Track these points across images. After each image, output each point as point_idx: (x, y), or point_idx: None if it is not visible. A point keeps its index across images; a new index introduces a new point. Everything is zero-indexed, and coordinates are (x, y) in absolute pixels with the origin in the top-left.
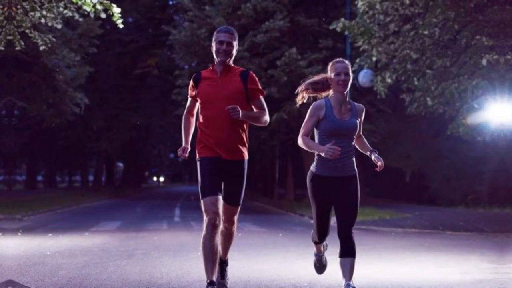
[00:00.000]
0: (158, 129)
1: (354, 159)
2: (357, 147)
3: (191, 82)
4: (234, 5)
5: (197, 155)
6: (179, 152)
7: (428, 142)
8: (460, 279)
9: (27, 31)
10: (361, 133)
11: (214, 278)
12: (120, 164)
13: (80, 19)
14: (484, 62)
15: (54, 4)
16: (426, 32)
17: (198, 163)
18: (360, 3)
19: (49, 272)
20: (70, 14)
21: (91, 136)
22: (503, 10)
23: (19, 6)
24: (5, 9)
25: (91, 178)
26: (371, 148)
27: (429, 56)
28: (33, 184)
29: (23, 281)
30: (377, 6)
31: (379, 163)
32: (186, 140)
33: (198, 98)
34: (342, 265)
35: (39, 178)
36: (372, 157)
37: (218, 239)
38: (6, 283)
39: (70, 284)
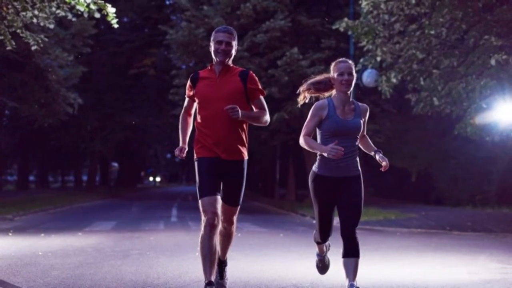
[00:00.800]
0: (154, 129)
1: (358, 159)
2: (361, 147)
3: (188, 82)
4: (233, 5)
5: (195, 155)
6: (176, 152)
7: (435, 142)
8: (468, 280)
9: (19, 31)
10: (365, 133)
11: (213, 278)
12: (115, 164)
13: (74, 19)
14: (493, 62)
15: (46, 4)
16: (432, 32)
17: (195, 163)
18: (364, 3)
19: (42, 272)
20: (63, 14)
21: (84, 136)
22: None
23: (10, 6)
24: None
25: (85, 178)
26: (376, 148)
27: (436, 56)
28: (25, 184)
29: (15, 282)
30: (382, 6)
31: (383, 163)
32: (184, 140)
33: (196, 98)
34: (346, 265)
35: (31, 178)
36: (377, 157)
37: (217, 239)
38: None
39: (63, 284)
